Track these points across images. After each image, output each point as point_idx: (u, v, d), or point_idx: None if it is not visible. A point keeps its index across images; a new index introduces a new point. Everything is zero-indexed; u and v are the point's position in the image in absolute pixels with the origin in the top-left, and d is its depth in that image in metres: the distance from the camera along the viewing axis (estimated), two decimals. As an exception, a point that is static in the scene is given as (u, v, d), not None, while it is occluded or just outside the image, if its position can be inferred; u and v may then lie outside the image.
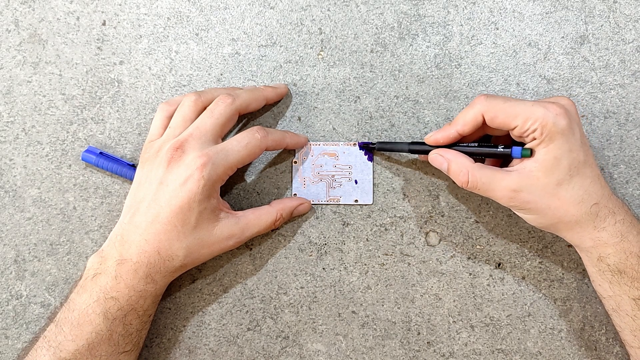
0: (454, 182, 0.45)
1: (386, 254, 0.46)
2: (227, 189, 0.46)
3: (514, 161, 0.39)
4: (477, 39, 0.46)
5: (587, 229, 0.38)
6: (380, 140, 0.45)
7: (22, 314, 0.46)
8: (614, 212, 0.38)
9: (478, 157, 0.41)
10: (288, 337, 0.46)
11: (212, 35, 0.47)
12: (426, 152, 0.42)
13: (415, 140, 0.45)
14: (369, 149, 0.46)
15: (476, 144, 0.41)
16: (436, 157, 0.41)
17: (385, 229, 0.46)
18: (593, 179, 0.38)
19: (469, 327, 0.45)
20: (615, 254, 0.38)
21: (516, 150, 0.38)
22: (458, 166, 0.39)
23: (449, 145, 0.41)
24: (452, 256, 0.46)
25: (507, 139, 0.43)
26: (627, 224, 0.38)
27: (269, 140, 0.42)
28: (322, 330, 0.46)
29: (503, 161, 0.43)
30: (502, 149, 0.39)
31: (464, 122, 0.39)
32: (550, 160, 0.37)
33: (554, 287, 0.45)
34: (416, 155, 0.45)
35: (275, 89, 0.45)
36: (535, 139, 0.37)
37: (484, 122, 0.39)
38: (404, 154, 0.45)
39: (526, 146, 0.38)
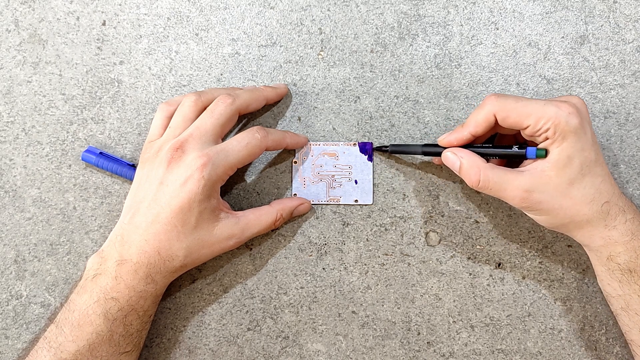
0: (454, 181, 0.46)
1: (386, 254, 0.46)
2: (227, 189, 0.46)
3: (525, 161, 0.39)
4: (477, 39, 0.46)
5: (598, 227, 0.38)
6: (393, 143, 0.45)
7: (22, 314, 0.46)
8: (624, 211, 0.38)
9: (489, 158, 0.41)
10: (288, 337, 0.46)
11: (212, 35, 0.47)
12: (439, 154, 0.41)
13: (428, 142, 0.45)
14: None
15: (490, 145, 0.40)
16: (449, 156, 0.40)
17: (385, 229, 0.46)
18: (604, 178, 0.38)
19: (469, 327, 0.45)
20: (625, 253, 0.38)
21: (531, 150, 0.38)
22: (470, 165, 0.39)
23: (463, 147, 0.41)
24: (452, 256, 0.46)
25: (512, 139, 0.43)
26: (636, 223, 0.38)
27: (269, 140, 0.42)
28: (322, 330, 0.46)
29: (508, 161, 0.43)
30: (516, 150, 0.39)
31: (476, 124, 0.39)
32: (563, 159, 0.37)
33: (554, 287, 0.45)
34: (429, 158, 0.45)
35: (275, 89, 0.45)
36: (547, 138, 0.37)
37: (495, 122, 0.39)
38: (413, 155, 0.45)
39: (539, 146, 0.38)
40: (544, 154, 0.38)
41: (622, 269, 0.39)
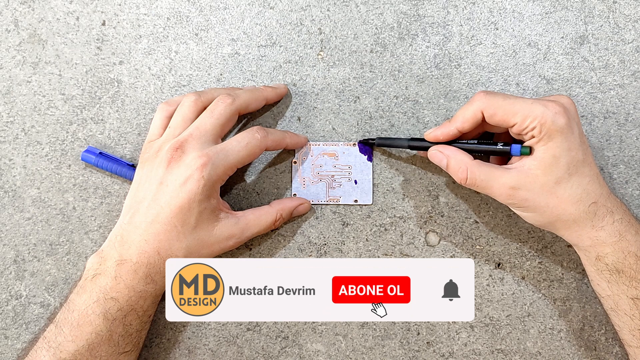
0: (454, 181, 0.46)
1: (386, 254, 0.46)
2: (227, 189, 0.46)
3: (513, 159, 0.40)
4: (477, 39, 0.46)
5: (585, 227, 0.38)
6: (380, 136, 0.45)
7: (21, 314, 0.46)
8: (612, 212, 0.38)
9: (479, 155, 0.41)
10: (288, 337, 0.46)
11: (212, 35, 0.47)
12: (425, 149, 0.42)
13: (414, 137, 0.45)
14: (369, 145, 0.46)
15: (475, 141, 0.41)
16: (435, 154, 0.41)
17: (385, 229, 0.46)
18: (592, 178, 0.38)
19: (469, 327, 0.45)
20: (613, 253, 0.38)
21: (515, 147, 0.38)
22: (457, 163, 0.39)
23: (449, 142, 0.41)
24: (452, 256, 0.46)
25: (508, 137, 0.43)
26: (625, 223, 0.38)
27: (268, 140, 0.42)
28: (322, 330, 0.46)
29: (503, 159, 0.43)
30: (501, 147, 0.39)
31: (463, 119, 0.39)
32: (549, 158, 0.37)
33: (554, 287, 0.45)
34: (415, 152, 0.45)
35: (275, 89, 0.45)
36: (534, 137, 0.37)
37: (483, 119, 0.39)
38: (404, 150, 0.45)
39: (525, 144, 0.38)
40: (528, 151, 0.38)
41: (610, 269, 0.39)
